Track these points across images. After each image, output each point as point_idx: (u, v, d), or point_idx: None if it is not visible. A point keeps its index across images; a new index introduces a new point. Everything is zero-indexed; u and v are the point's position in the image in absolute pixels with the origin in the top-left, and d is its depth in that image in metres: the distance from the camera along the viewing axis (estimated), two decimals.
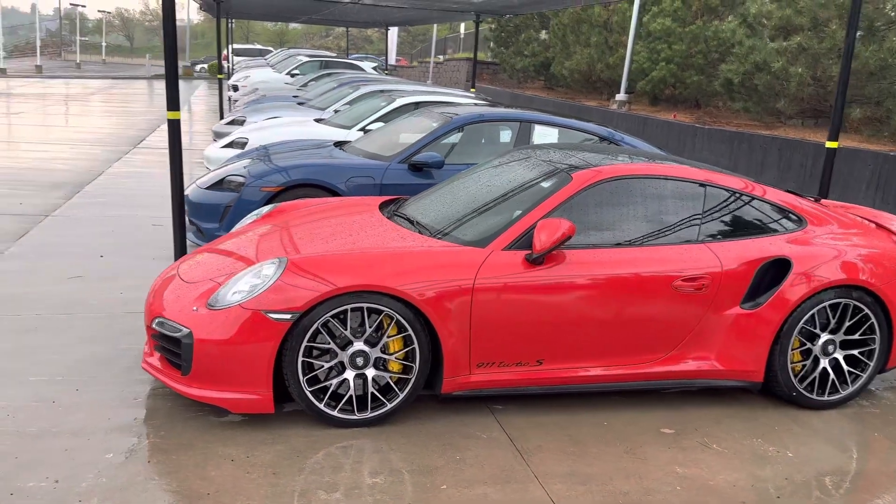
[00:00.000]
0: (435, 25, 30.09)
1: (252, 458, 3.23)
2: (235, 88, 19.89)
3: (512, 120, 6.53)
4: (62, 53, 69.41)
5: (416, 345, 3.50)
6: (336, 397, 3.50)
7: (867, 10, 10.39)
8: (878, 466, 3.56)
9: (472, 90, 17.23)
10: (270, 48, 40.16)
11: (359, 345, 3.47)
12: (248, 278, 3.48)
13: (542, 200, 3.82)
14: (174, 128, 5.34)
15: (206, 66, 43.02)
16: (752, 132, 11.69)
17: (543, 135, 6.57)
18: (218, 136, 10.88)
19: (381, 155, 6.25)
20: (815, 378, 4.03)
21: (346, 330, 3.44)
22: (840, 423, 3.97)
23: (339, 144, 7.01)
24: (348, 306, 3.39)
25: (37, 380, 3.80)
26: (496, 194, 4.14)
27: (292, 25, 73.30)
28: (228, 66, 27.62)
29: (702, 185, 4.07)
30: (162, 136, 14.52)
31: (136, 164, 10.95)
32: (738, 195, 4.11)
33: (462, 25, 35.87)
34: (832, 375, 4.04)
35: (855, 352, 4.07)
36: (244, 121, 10.83)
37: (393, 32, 35.08)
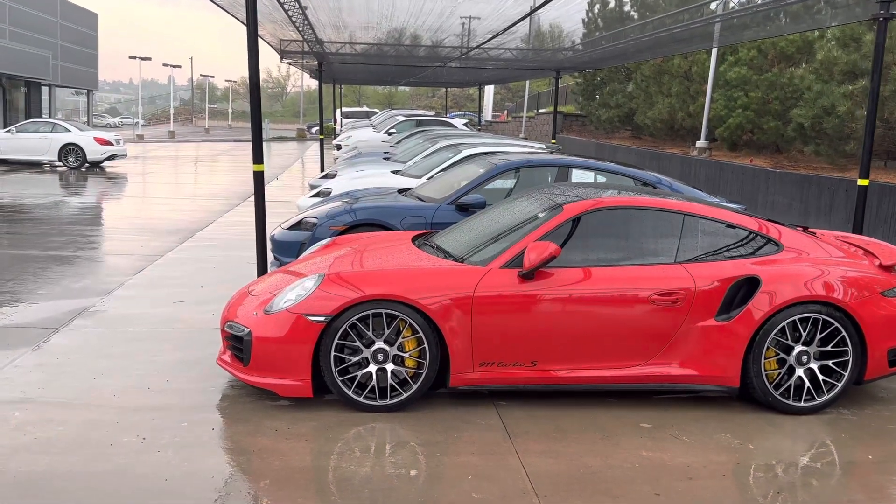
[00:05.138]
0: (528, 82, 31.38)
1: (292, 430, 4.09)
2: (339, 147, 21.65)
3: (551, 165, 7.30)
4: (193, 120, 76.08)
5: (426, 345, 4.29)
6: (362, 386, 4.33)
7: None
8: (830, 459, 3.98)
9: (552, 141, 18.07)
10: (376, 110, 42.74)
11: (380, 344, 4.30)
12: (295, 290, 4.41)
13: (536, 227, 4.58)
14: (258, 178, 6.50)
15: (310, 128, 46.18)
16: (822, 175, 11.82)
17: (581, 178, 7.29)
18: (312, 188, 12.24)
19: (434, 198, 7.15)
20: (790, 385, 4.48)
21: (369, 331, 4.28)
22: (812, 425, 4.39)
23: (403, 191, 7.98)
24: (370, 312, 4.24)
25: (138, 373, 4.86)
26: (504, 225, 4.91)
27: (400, 88, 77.14)
28: (335, 128, 29.75)
29: (681, 214, 4.68)
30: (269, 191, 16.15)
31: (243, 214, 12.40)
32: (715, 223, 4.69)
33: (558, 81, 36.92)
34: (807, 383, 4.48)
35: (830, 363, 4.50)
36: (335, 174, 12.11)
37: (488, 90, 36.62)
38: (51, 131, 20.39)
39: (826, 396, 4.50)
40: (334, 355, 4.25)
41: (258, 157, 6.42)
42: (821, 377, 4.49)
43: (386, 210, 6.94)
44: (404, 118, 22.87)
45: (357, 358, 4.30)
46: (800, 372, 4.49)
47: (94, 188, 16.49)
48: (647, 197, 4.86)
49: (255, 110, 6.38)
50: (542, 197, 5.07)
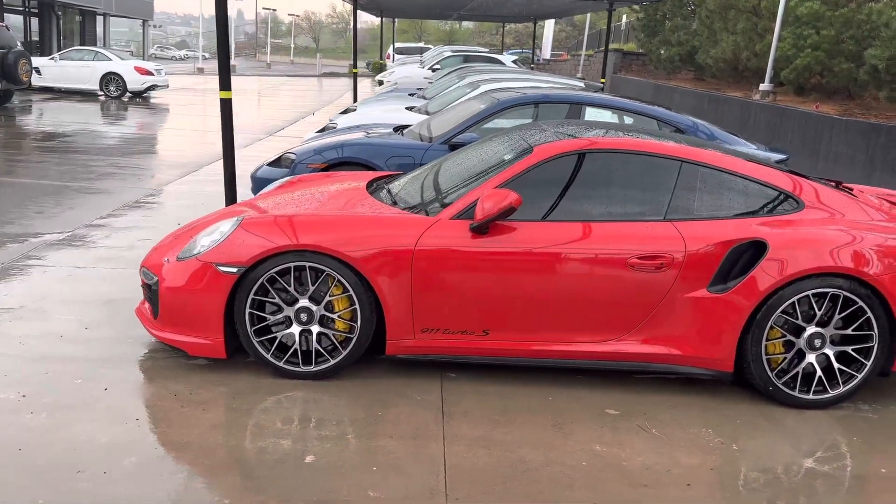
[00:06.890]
0: (588, 16, 29.54)
1: (193, 395, 3.56)
2: (381, 83, 20.88)
3: (562, 102, 6.44)
4: (256, 54, 75.93)
5: (356, 305, 3.66)
6: (284, 349, 3.75)
7: None
8: (834, 467, 3.22)
9: (602, 81, 16.87)
10: (431, 46, 41.41)
11: (304, 302, 3.69)
12: (211, 235, 3.81)
13: (498, 172, 3.83)
14: (226, 106, 5.90)
15: (368, 65, 45.23)
16: (894, 124, 10.48)
17: (596, 117, 6.42)
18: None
19: (426, 136, 6.42)
20: (797, 373, 3.69)
21: (291, 287, 3.67)
22: (820, 423, 3.61)
23: (401, 128, 7.26)
24: (291, 264, 3.62)
25: (60, 317, 4.40)
26: (467, 169, 4.18)
27: (464, 25, 74.84)
28: (383, 63, 28.87)
29: (677, 160, 3.85)
30: (299, 127, 15.60)
31: (260, 150, 11.89)
32: (719, 173, 3.85)
33: (624, 16, 34.90)
34: (819, 372, 3.68)
35: (849, 349, 3.68)
36: (355, 110, 11.42)
37: (548, 27, 34.82)
38: (92, 59, 20.22)
39: (841, 389, 3.69)
40: (250, 312, 3.67)
41: (225, 84, 5.81)
42: (836, 365, 3.68)
43: (370, 148, 6.26)
44: (451, 54, 21.83)
45: (279, 317, 3.71)
46: (811, 358, 3.68)
47: (125, 118, 16.25)
48: (638, 139, 4.03)
49: (221, 36, 5.73)
50: (516, 137, 4.29)
